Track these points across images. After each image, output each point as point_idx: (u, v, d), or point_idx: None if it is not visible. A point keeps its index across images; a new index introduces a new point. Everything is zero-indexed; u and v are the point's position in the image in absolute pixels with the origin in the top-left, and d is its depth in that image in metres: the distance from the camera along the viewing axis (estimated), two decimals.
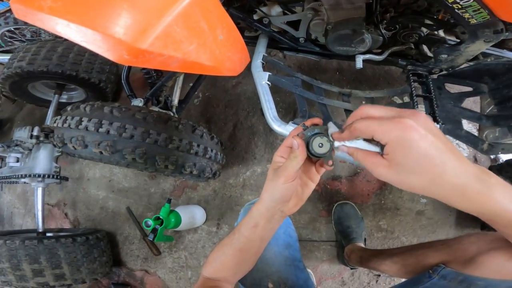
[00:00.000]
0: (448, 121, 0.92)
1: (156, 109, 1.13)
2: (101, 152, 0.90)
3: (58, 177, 1.34)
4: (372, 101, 1.18)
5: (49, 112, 1.46)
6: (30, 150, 1.35)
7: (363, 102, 1.32)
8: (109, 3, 0.39)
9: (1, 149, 1.37)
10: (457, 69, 0.99)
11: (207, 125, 1.60)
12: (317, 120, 0.49)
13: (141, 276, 1.51)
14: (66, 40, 1.47)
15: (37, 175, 1.28)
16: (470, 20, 0.73)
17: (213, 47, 0.56)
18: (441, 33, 0.99)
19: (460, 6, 0.69)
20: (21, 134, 1.30)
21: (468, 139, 0.92)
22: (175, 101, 1.22)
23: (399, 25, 0.96)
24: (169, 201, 1.23)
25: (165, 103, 1.20)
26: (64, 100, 1.69)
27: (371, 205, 1.35)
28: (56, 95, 1.53)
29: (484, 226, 1.20)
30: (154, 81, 1.20)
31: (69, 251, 1.24)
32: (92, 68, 1.43)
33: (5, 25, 1.55)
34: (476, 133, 0.98)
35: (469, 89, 1.00)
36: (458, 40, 0.92)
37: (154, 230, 1.17)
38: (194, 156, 1.02)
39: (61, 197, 1.72)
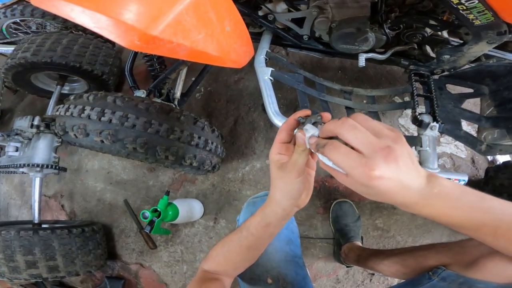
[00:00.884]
0: (448, 121, 0.93)
1: (158, 100, 1.14)
2: (102, 141, 0.91)
3: (57, 167, 1.33)
4: (373, 99, 1.19)
5: (50, 103, 1.47)
6: (30, 139, 1.34)
7: (364, 101, 1.33)
8: None
9: (0, 138, 1.36)
10: (458, 70, 1.00)
11: (208, 119, 1.60)
12: (308, 111, 0.49)
13: (136, 270, 1.51)
14: (71, 32, 1.50)
15: (35, 165, 1.28)
16: (474, 21, 0.73)
17: (220, 38, 0.56)
18: (444, 34, 1.00)
19: (465, 7, 0.70)
20: (21, 123, 1.30)
21: (467, 139, 0.93)
22: (178, 94, 1.22)
23: (404, 25, 0.96)
24: (167, 193, 1.23)
25: (167, 95, 1.20)
26: (66, 92, 1.69)
27: (368, 203, 1.36)
28: (59, 86, 1.54)
29: None
30: (157, 73, 1.21)
31: (64, 243, 1.23)
32: (95, 60, 1.44)
33: (11, 16, 1.56)
34: (475, 134, 0.99)
35: (470, 90, 1.01)
36: (461, 41, 0.92)
37: (151, 222, 1.16)
38: (195, 148, 1.02)
39: (58, 189, 1.71)
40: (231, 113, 1.59)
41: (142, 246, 1.51)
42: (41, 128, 1.32)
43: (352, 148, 0.38)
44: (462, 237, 0.54)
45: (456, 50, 0.92)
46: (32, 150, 1.31)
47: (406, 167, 0.37)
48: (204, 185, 1.50)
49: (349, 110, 1.13)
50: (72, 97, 1.00)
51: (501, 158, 1.32)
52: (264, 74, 1.00)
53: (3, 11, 1.53)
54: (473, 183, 1.31)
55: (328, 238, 1.35)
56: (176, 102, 1.23)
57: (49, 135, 1.33)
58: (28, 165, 1.27)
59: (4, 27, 1.65)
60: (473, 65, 0.97)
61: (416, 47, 1.04)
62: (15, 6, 1.52)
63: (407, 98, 1.37)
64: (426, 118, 0.91)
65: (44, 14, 1.54)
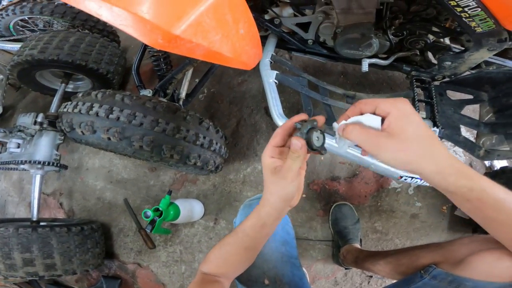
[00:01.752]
0: (447, 127, 0.95)
1: (164, 100, 1.15)
2: (109, 138, 0.91)
3: (58, 165, 1.34)
4: None
5: (54, 100, 1.46)
6: (32, 136, 1.34)
7: None
8: None
9: (2, 134, 1.36)
10: (459, 76, 1.02)
11: (211, 120, 1.61)
12: (304, 116, 0.51)
13: (133, 270, 1.51)
14: (78, 31, 1.51)
15: (37, 162, 1.28)
16: (476, 28, 0.76)
17: (234, 39, 0.58)
18: (446, 40, 1.03)
19: (468, 15, 0.73)
20: (25, 120, 1.30)
21: (465, 145, 0.95)
22: (183, 94, 1.24)
23: (407, 31, 0.99)
24: (169, 192, 1.24)
25: (172, 95, 1.21)
26: (70, 90, 1.70)
27: (368, 206, 1.38)
28: (63, 84, 1.54)
29: (475, 229, 1.24)
30: (164, 73, 1.22)
31: (63, 241, 1.23)
32: (101, 59, 1.45)
33: (20, 14, 1.56)
34: (473, 140, 1.01)
35: (470, 96, 1.03)
36: (463, 48, 0.95)
37: (153, 222, 1.16)
38: (200, 147, 1.03)
39: (58, 187, 1.70)
40: (234, 114, 1.60)
41: (141, 246, 1.51)
42: (44, 125, 1.32)
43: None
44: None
45: (457, 56, 0.94)
46: (34, 147, 1.32)
47: (419, 118, 0.42)
48: (205, 185, 1.51)
49: None
50: (80, 95, 1.00)
51: (498, 164, 1.35)
52: (269, 77, 1.02)
53: (12, 8, 1.53)
54: None
55: (327, 240, 1.37)
56: (180, 102, 1.24)
57: (51, 132, 1.34)
58: (30, 162, 1.28)
59: (11, 24, 1.66)
60: (473, 71, 0.99)
61: (418, 53, 1.07)
62: (24, 3, 1.52)
63: None
64: (426, 123, 0.93)
65: (53, 12, 1.54)
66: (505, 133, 0.92)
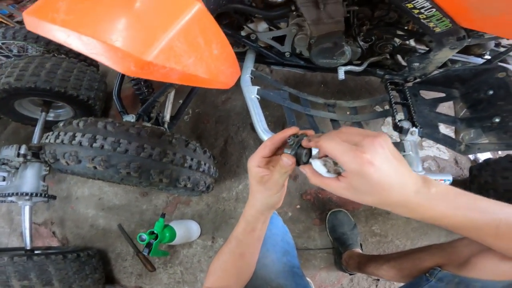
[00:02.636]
0: (426, 126, 0.98)
1: (148, 124, 1.15)
2: (95, 167, 0.91)
3: (46, 195, 1.31)
4: (355, 110, 1.24)
5: (36, 130, 1.42)
6: (17, 169, 1.32)
7: (348, 113, 1.39)
8: (118, 18, 0.42)
9: None
10: (429, 76, 1.06)
11: (198, 141, 1.62)
12: (295, 129, 0.51)
13: None
14: (53, 55, 1.48)
15: (24, 194, 1.25)
16: (435, 28, 0.80)
17: (208, 61, 0.60)
18: (412, 42, 1.08)
19: (425, 16, 0.77)
20: (7, 152, 1.27)
21: (446, 141, 0.98)
22: (167, 117, 1.24)
23: (375, 36, 1.04)
24: (163, 215, 1.23)
25: (156, 119, 1.22)
26: (51, 119, 1.63)
27: (363, 211, 1.39)
28: (43, 113, 1.48)
29: None
30: (145, 97, 1.22)
31: (60, 268, 1.20)
32: (80, 85, 1.40)
33: None
34: (453, 136, 1.04)
35: (442, 94, 1.07)
36: (428, 49, 0.99)
37: (149, 245, 1.16)
38: (188, 169, 1.03)
39: (48, 216, 1.67)
40: (221, 133, 1.61)
41: (141, 269, 1.47)
42: (28, 157, 1.29)
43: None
44: (456, 237, 0.55)
45: (423, 57, 0.98)
46: (20, 180, 1.29)
47: (395, 159, 0.39)
48: (199, 206, 1.50)
49: (334, 123, 1.17)
50: (61, 124, 1.00)
51: (482, 156, 1.37)
52: (251, 93, 1.04)
53: None
54: (459, 183, 1.35)
55: (328, 248, 1.36)
56: (166, 126, 1.25)
57: (36, 164, 1.31)
58: (17, 194, 1.25)
59: None
60: (441, 70, 1.03)
61: (388, 57, 1.11)
62: None
63: (387, 107, 1.43)
64: (406, 124, 0.96)
65: (26, 36, 1.49)
66: (481, 126, 0.94)
